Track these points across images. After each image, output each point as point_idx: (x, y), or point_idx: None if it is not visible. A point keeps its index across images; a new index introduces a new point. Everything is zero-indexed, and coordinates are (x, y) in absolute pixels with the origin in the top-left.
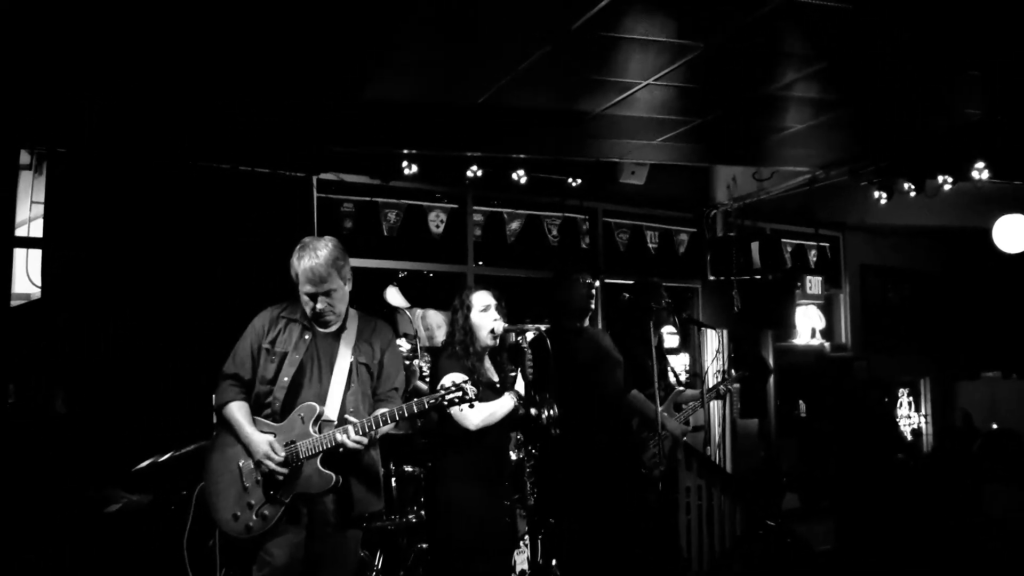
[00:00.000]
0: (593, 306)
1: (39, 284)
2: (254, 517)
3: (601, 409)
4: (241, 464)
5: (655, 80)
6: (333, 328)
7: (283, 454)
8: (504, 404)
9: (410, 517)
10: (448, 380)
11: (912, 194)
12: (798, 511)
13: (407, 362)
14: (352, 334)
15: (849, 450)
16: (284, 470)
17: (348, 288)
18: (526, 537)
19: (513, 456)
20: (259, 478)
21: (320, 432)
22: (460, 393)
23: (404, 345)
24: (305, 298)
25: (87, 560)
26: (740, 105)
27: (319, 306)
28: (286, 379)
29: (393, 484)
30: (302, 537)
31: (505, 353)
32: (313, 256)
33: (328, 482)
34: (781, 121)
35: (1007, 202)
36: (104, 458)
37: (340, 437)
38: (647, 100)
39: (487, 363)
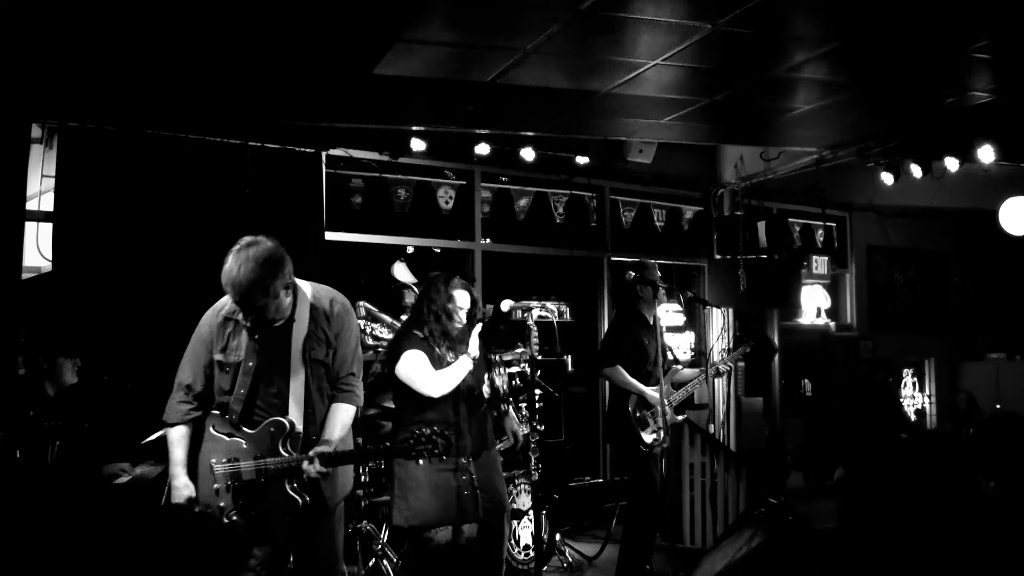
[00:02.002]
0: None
1: (50, 257)
2: (224, 520)
3: None
4: (213, 463)
5: (663, 60)
6: (281, 322)
7: (188, 495)
8: (460, 367)
9: None
10: (423, 428)
11: (919, 175)
12: (803, 490)
13: None
14: (303, 325)
15: (853, 430)
16: (240, 500)
17: (286, 295)
18: (530, 512)
19: (520, 431)
20: (229, 484)
21: (291, 448)
22: (430, 446)
23: None
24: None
25: (96, 531)
26: (748, 85)
27: (247, 318)
28: (243, 391)
29: None
30: (282, 534)
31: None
32: (233, 273)
33: (294, 506)
34: (789, 102)
35: (1014, 184)
36: (114, 431)
37: (305, 466)
38: (655, 80)
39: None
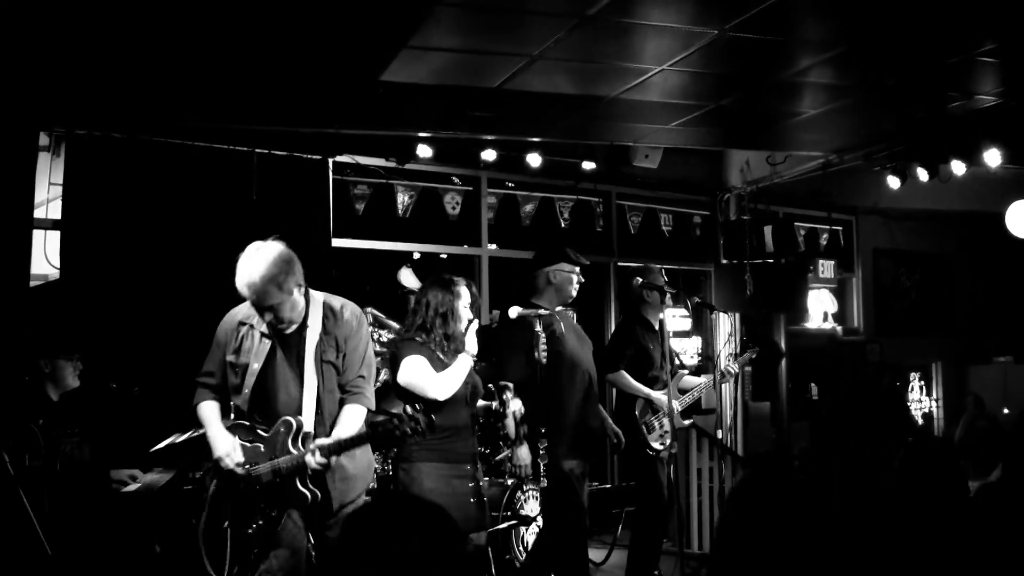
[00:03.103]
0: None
1: (57, 265)
2: (253, 526)
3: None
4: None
5: (670, 65)
6: (293, 328)
7: (242, 458)
8: (461, 366)
9: None
10: (409, 408)
11: (925, 179)
12: None
13: None
14: (316, 331)
15: (860, 433)
16: (240, 471)
17: (299, 293)
18: (538, 518)
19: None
20: (256, 487)
21: (301, 445)
22: (413, 424)
23: None
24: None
25: (105, 539)
26: (755, 90)
27: (266, 318)
28: (247, 391)
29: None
30: (301, 535)
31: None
32: (247, 273)
33: (304, 500)
34: (795, 106)
35: (1021, 187)
36: (122, 438)
37: (308, 459)
38: (662, 85)
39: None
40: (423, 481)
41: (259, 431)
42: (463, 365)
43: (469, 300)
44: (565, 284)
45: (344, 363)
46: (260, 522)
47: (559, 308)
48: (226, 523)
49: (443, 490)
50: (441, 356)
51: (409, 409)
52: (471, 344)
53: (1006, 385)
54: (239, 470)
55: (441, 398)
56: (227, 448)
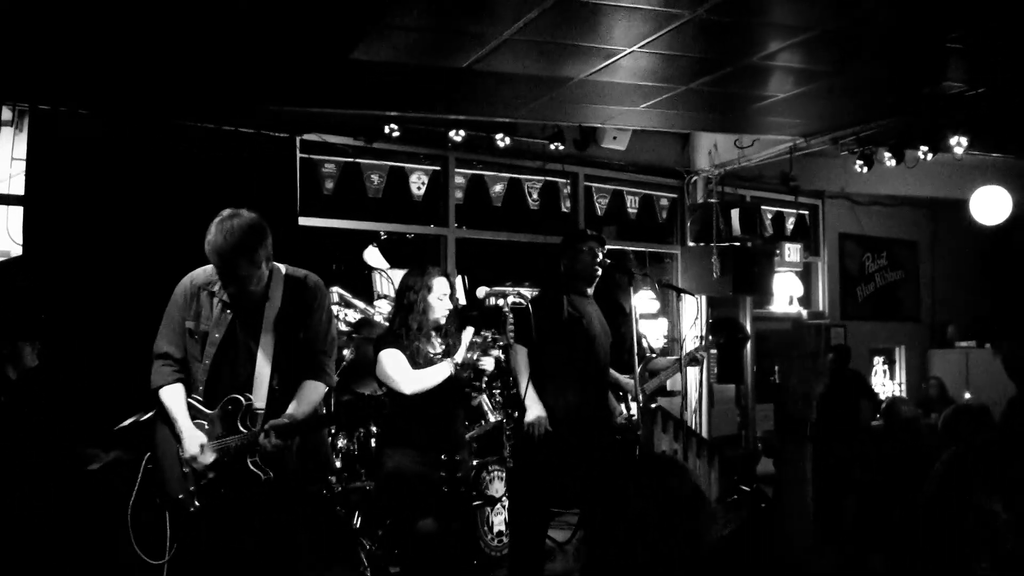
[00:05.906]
0: (600, 274)
1: (19, 241)
2: (196, 503)
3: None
4: (178, 449)
5: (640, 47)
6: (255, 299)
7: (212, 457)
8: (440, 371)
9: None
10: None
11: (892, 164)
12: (772, 476)
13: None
14: (276, 304)
15: (824, 417)
16: (211, 473)
17: (266, 268)
18: (504, 499)
19: (492, 419)
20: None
21: (252, 424)
22: (374, 406)
23: (385, 307)
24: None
25: (69, 517)
26: (724, 73)
27: (230, 289)
28: (207, 362)
29: (373, 445)
30: (247, 516)
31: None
32: (220, 239)
33: (255, 481)
34: (764, 90)
35: (985, 173)
36: (87, 416)
37: (263, 440)
38: (631, 67)
39: (433, 337)
40: (402, 465)
41: (201, 407)
42: (440, 372)
43: (445, 291)
44: (585, 265)
45: (307, 337)
46: (205, 499)
47: (589, 291)
48: (159, 500)
49: (419, 474)
50: (420, 349)
51: (368, 392)
52: (460, 353)
53: (968, 369)
54: (209, 472)
55: (406, 392)
56: (194, 451)
